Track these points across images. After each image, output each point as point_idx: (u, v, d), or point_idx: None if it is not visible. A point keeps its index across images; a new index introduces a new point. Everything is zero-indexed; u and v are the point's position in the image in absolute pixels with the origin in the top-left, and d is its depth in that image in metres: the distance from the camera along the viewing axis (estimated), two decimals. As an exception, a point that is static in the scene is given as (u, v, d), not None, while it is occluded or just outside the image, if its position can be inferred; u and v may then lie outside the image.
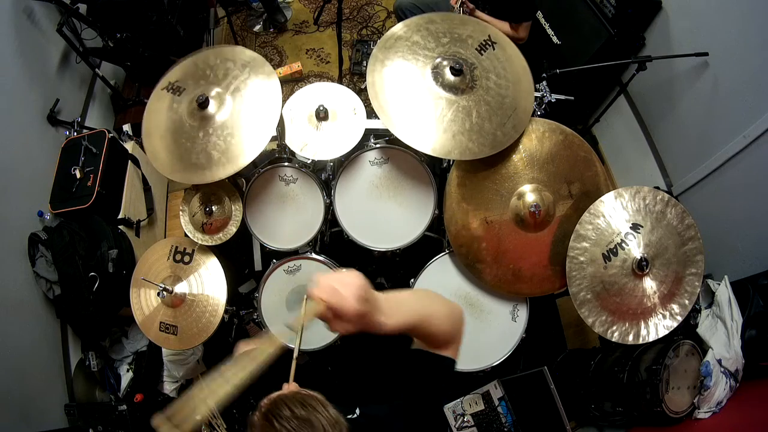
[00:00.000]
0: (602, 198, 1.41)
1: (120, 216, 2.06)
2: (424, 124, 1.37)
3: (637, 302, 1.36)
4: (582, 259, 1.38)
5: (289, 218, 1.64)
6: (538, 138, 1.45)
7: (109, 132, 2.09)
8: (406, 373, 1.05)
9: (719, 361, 1.53)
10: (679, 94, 2.03)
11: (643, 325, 1.36)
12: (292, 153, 1.65)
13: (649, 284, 1.36)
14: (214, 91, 1.43)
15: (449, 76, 1.39)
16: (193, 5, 2.78)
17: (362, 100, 1.69)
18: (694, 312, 1.69)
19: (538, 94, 1.60)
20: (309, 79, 2.98)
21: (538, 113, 1.61)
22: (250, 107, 1.41)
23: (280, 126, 1.56)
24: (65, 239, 1.84)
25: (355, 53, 2.98)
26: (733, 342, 1.56)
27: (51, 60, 2.28)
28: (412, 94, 1.40)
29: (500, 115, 1.38)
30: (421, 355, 0.94)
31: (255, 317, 1.68)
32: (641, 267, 1.34)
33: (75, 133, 2.12)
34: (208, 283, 1.59)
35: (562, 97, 1.64)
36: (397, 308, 0.85)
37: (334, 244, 1.87)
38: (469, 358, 1.57)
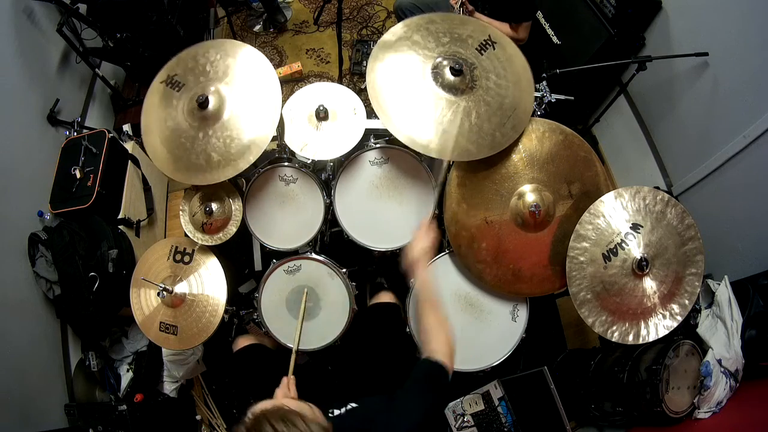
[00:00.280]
0: (602, 198, 1.41)
1: (120, 216, 2.06)
2: (424, 125, 1.37)
3: (637, 302, 1.36)
4: (582, 259, 1.38)
5: (289, 218, 1.64)
6: (538, 138, 1.45)
7: (109, 132, 2.09)
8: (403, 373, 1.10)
9: (719, 361, 1.53)
10: (679, 94, 2.03)
11: (643, 325, 1.36)
12: (292, 153, 1.65)
13: (649, 284, 1.36)
14: (213, 88, 1.42)
15: (449, 76, 1.38)
16: (193, 5, 2.78)
17: (362, 100, 1.69)
18: (694, 312, 1.69)
19: (538, 94, 1.60)
20: (309, 79, 2.98)
21: (538, 113, 1.61)
22: (250, 109, 1.41)
23: (280, 126, 1.56)
24: (65, 239, 1.84)
25: (355, 53, 2.98)
26: (733, 342, 1.56)
27: (51, 60, 2.28)
28: (412, 94, 1.40)
29: (500, 115, 1.38)
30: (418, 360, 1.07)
31: (255, 317, 1.68)
32: (641, 267, 1.34)
33: (75, 133, 2.13)
34: (208, 283, 1.59)
35: (562, 97, 1.64)
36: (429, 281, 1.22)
37: (334, 244, 1.87)
38: (469, 358, 1.57)
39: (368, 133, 1.65)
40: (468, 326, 1.57)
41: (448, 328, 1.18)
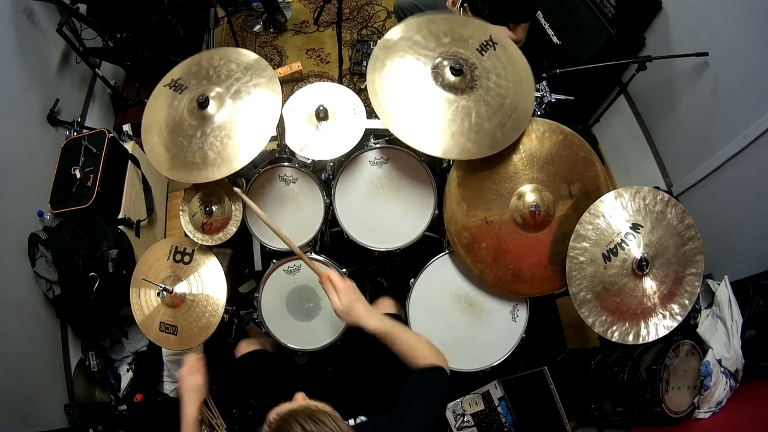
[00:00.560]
0: (602, 198, 1.41)
1: (120, 216, 2.06)
2: (424, 124, 1.37)
3: (637, 302, 1.36)
4: (582, 259, 1.38)
5: (289, 218, 1.64)
6: (538, 138, 1.45)
7: (109, 132, 2.09)
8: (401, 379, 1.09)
9: (719, 361, 1.53)
10: (679, 94, 2.03)
11: (643, 325, 1.36)
12: (292, 153, 1.65)
13: (649, 284, 1.36)
14: (215, 92, 1.43)
15: (449, 76, 1.38)
16: (193, 5, 2.78)
17: (362, 100, 1.69)
18: (694, 312, 1.69)
19: (538, 94, 1.60)
20: (309, 79, 2.98)
21: (538, 113, 1.61)
22: (249, 111, 1.41)
23: (280, 126, 1.56)
24: (65, 239, 1.84)
25: (355, 53, 2.98)
26: (733, 342, 1.56)
27: (51, 60, 2.28)
28: (412, 94, 1.40)
29: (500, 115, 1.38)
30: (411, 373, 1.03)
31: (255, 317, 1.68)
32: (641, 267, 1.34)
33: (75, 133, 2.13)
34: (208, 283, 1.59)
35: (562, 97, 1.64)
36: (375, 314, 1.10)
37: (334, 244, 1.87)
38: (469, 358, 1.57)
39: (368, 133, 1.65)
40: (468, 326, 1.57)
41: (424, 338, 1.10)
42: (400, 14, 2.41)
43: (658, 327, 1.36)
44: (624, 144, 2.43)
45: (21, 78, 2.04)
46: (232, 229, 1.60)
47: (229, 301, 1.59)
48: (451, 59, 1.40)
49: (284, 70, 2.90)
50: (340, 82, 2.74)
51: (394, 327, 1.09)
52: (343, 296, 1.12)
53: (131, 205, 2.15)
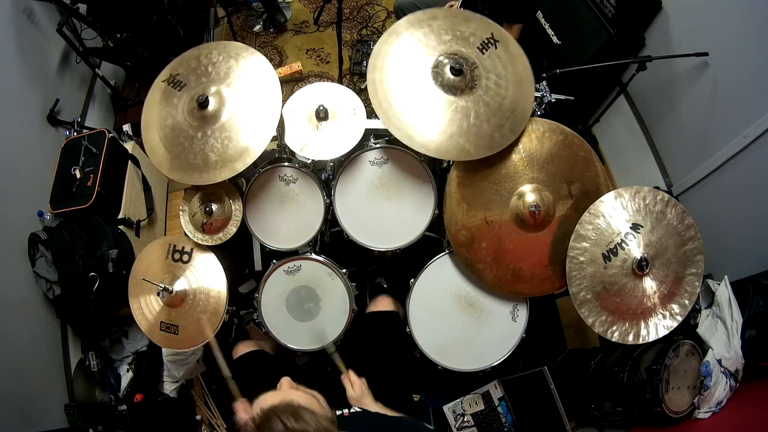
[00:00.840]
0: (602, 198, 1.41)
1: (120, 216, 2.06)
2: (423, 124, 1.37)
3: (637, 302, 1.35)
4: (582, 259, 1.38)
5: (289, 218, 1.64)
6: (538, 138, 1.45)
7: (109, 132, 2.09)
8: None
9: (719, 361, 1.53)
10: (679, 94, 2.03)
11: (643, 325, 1.36)
12: (292, 153, 1.65)
13: (649, 284, 1.36)
14: (214, 89, 1.42)
15: (449, 75, 1.38)
16: (193, 5, 2.78)
17: (362, 100, 1.69)
18: (694, 312, 1.69)
19: (538, 94, 1.60)
20: (309, 79, 2.98)
21: (538, 113, 1.61)
22: (249, 112, 1.41)
23: (280, 126, 1.56)
24: (65, 239, 1.84)
25: (355, 53, 2.99)
26: (733, 342, 1.56)
27: (51, 60, 2.28)
28: (412, 94, 1.40)
29: (498, 116, 1.38)
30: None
31: (255, 317, 1.68)
32: (641, 267, 1.34)
33: (75, 133, 2.13)
34: (208, 282, 1.59)
35: (562, 97, 1.64)
36: (378, 405, 1.27)
37: (334, 244, 1.87)
38: (469, 358, 1.57)
39: (368, 133, 1.65)
40: (468, 326, 1.57)
41: None
42: (400, 14, 2.41)
43: (658, 327, 1.36)
44: (624, 144, 2.43)
45: (21, 78, 2.04)
46: (232, 229, 1.60)
47: (229, 301, 1.59)
48: (451, 59, 1.40)
49: (284, 70, 2.90)
50: (340, 82, 2.74)
51: (391, 413, 1.24)
52: (357, 389, 1.31)
53: (131, 205, 2.15)
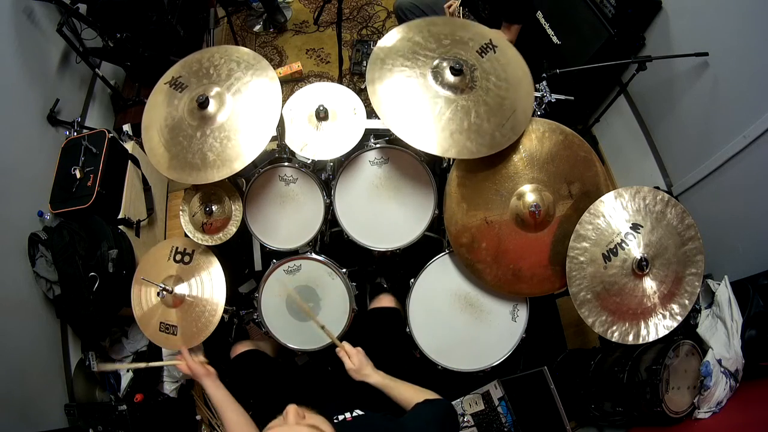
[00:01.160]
0: (602, 198, 1.41)
1: (120, 216, 2.06)
2: (423, 122, 1.37)
3: (637, 302, 1.35)
4: (582, 259, 1.38)
5: (289, 218, 1.64)
6: (538, 138, 1.45)
7: (109, 132, 2.09)
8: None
9: (719, 361, 1.53)
10: (679, 94, 2.03)
11: (643, 325, 1.36)
12: (292, 153, 1.65)
13: (649, 284, 1.36)
14: (215, 91, 1.43)
15: (449, 75, 1.38)
16: (193, 5, 2.78)
17: (362, 100, 1.69)
18: (694, 312, 1.69)
19: (538, 94, 1.60)
20: (309, 79, 2.98)
21: (538, 113, 1.61)
22: (249, 112, 1.41)
23: (280, 126, 1.56)
24: (65, 239, 1.84)
25: (355, 53, 2.99)
26: (733, 342, 1.56)
27: (51, 60, 2.28)
28: (412, 93, 1.40)
29: (499, 116, 1.38)
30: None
31: (255, 317, 1.68)
32: (641, 267, 1.34)
33: (75, 133, 2.13)
34: (208, 282, 1.59)
35: (562, 97, 1.64)
36: (379, 372, 1.33)
37: (334, 244, 1.87)
38: (469, 358, 1.57)
39: (368, 133, 1.65)
40: (468, 326, 1.57)
41: (422, 390, 1.25)
42: (400, 14, 2.41)
43: (658, 327, 1.36)
44: (624, 144, 2.43)
45: (21, 78, 2.04)
46: (232, 229, 1.60)
47: (229, 301, 1.60)
48: (451, 60, 1.40)
49: (284, 70, 2.90)
50: (340, 82, 2.74)
51: (394, 381, 1.30)
52: (355, 359, 1.34)
53: (131, 205, 2.15)
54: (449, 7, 2.17)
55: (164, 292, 1.55)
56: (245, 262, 2.25)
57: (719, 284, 1.69)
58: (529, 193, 1.44)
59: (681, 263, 1.38)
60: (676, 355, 1.51)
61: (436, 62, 1.42)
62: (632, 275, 1.35)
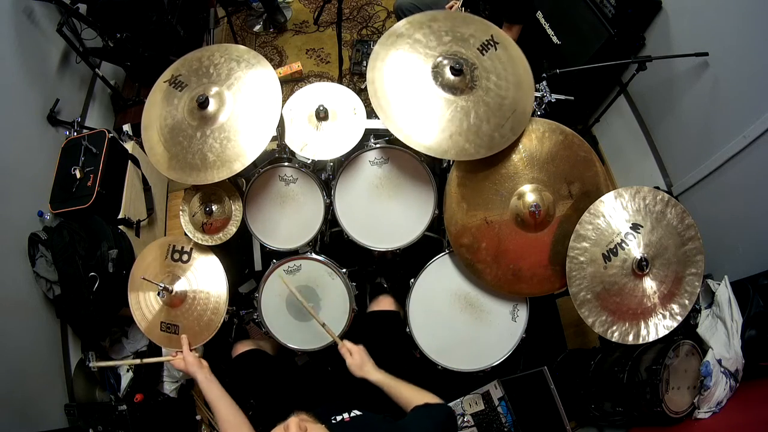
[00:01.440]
0: (602, 198, 1.41)
1: (120, 216, 2.06)
2: (422, 123, 1.37)
3: (637, 302, 1.36)
4: (582, 259, 1.38)
5: (289, 218, 1.64)
6: (538, 138, 1.45)
7: (109, 132, 2.09)
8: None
9: (719, 361, 1.53)
10: (679, 94, 2.03)
11: (643, 325, 1.36)
12: (292, 153, 1.65)
13: (649, 284, 1.36)
14: (215, 91, 1.42)
15: (449, 75, 1.38)
16: (193, 5, 2.78)
17: (362, 100, 1.69)
18: (694, 312, 1.69)
19: (538, 94, 1.60)
20: (309, 79, 2.98)
21: (538, 113, 1.61)
22: (249, 112, 1.41)
23: (280, 126, 1.56)
24: (65, 239, 1.84)
25: (355, 53, 2.99)
26: (733, 342, 1.56)
27: (51, 60, 2.28)
28: (412, 93, 1.40)
29: (499, 116, 1.38)
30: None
31: (255, 317, 1.68)
32: (641, 267, 1.34)
33: (75, 133, 2.13)
34: (209, 282, 1.59)
35: (562, 97, 1.64)
36: (380, 371, 1.33)
37: (334, 244, 1.87)
38: (469, 358, 1.57)
39: (368, 133, 1.65)
40: (468, 326, 1.57)
41: (423, 391, 1.26)
42: (400, 14, 2.41)
43: (658, 327, 1.36)
44: (624, 144, 2.43)
45: (21, 78, 2.04)
46: (232, 229, 1.60)
47: (229, 301, 1.60)
48: (451, 59, 1.40)
49: (284, 70, 2.90)
50: (340, 82, 2.74)
51: (395, 380, 1.30)
52: (356, 356, 1.36)
53: (131, 205, 2.15)
54: (451, 7, 2.17)
55: (164, 292, 1.55)
56: (245, 262, 2.25)
57: (719, 284, 1.69)
58: (529, 193, 1.43)
59: (681, 263, 1.38)
60: (676, 355, 1.51)
61: (436, 61, 1.41)
62: (632, 275, 1.35)
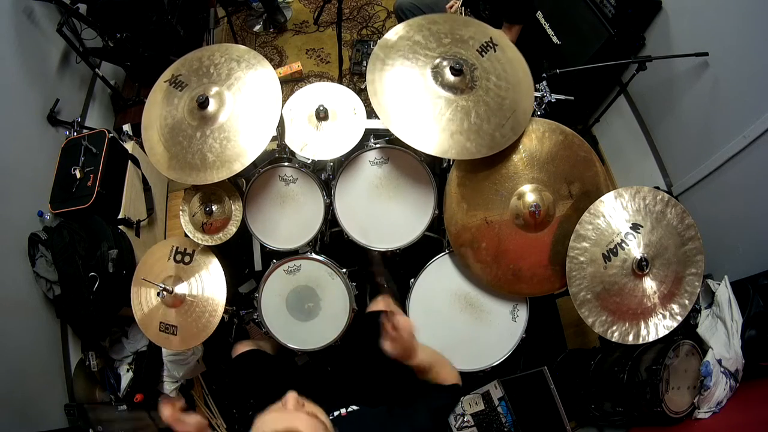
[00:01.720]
0: (602, 198, 1.41)
1: (120, 216, 2.06)
2: (422, 123, 1.37)
3: (637, 302, 1.36)
4: (582, 259, 1.38)
5: (289, 218, 1.64)
6: (538, 138, 1.45)
7: (109, 132, 2.09)
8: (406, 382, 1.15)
9: (719, 361, 1.53)
10: (679, 94, 2.02)
11: (643, 325, 1.36)
12: (292, 153, 1.65)
13: (649, 284, 1.36)
14: (215, 90, 1.42)
15: (449, 76, 1.39)
16: (193, 5, 2.78)
17: (362, 100, 1.69)
18: (694, 312, 1.69)
19: (538, 94, 1.60)
20: (309, 79, 2.98)
21: (538, 113, 1.61)
22: (249, 112, 1.41)
23: (280, 126, 1.56)
24: (65, 239, 1.84)
25: (355, 53, 2.98)
26: (733, 342, 1.56)
27: (51, 60, 2.28)
28: (412, 93, 1.40)
29: (499, 116, 1.38)
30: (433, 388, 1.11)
31: (255, 317, 1.68)
32: (641, 267, 1.34)
33: (75, 133, 2.13)
34: (208, 283, 1.59)
35: (562, 97, 1.64)
36: (424, 351, 1.15)
37: (334, 244, 1.87)
38: (469, 358, 1.57)
39: (368, 133, 1.65)
40: (468, 326, 1.57)
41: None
42: (400, 14, 2.41)
43: (658, 327, 1.36)
44: (624, 144, 2.43)
45: (21, 78, 2.04)
46: (232, 229, 1.60)
47: (229, 301, 1.60)
48: (451, 59, 1.40)
49: (284, 70, 2.89)
50: (340, 82, 2.74)
51: (435, 356, 1.18)
52: (404, 330, 1.13)
53: (131, 205, 2.15)
54: (451, 7, 2.17)
55: (164, 293, 1.55)
56: (245, 262, 2.25)
57: (719, 284, 1.69)
58: (529, 193, 1.44)
59: (681, 263, 1.38)
60: (676, 355, 1.51)
61: (436, 62, 1.42)
62: (632, 275, 1.35)
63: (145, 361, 2.01)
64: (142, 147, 2.27)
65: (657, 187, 1.77)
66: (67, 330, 1.99)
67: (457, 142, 1.35)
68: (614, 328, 1.35)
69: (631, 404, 1.58)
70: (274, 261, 1.63)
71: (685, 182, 2.04)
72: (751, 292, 1.61)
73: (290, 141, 1.62)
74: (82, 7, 2.30)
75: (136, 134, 2.32)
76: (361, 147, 1.62)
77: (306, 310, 1.64)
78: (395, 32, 1.47)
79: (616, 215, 1.39)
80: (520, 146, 1.44)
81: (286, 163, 1.61)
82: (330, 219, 1.68)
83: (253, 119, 1.40)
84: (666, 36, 2.04)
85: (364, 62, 2.89)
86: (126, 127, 2.34)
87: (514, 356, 1.56)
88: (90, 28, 2.33)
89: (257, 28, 3.22)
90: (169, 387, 2.00)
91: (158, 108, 1.47)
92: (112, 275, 1.82)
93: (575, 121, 2.48)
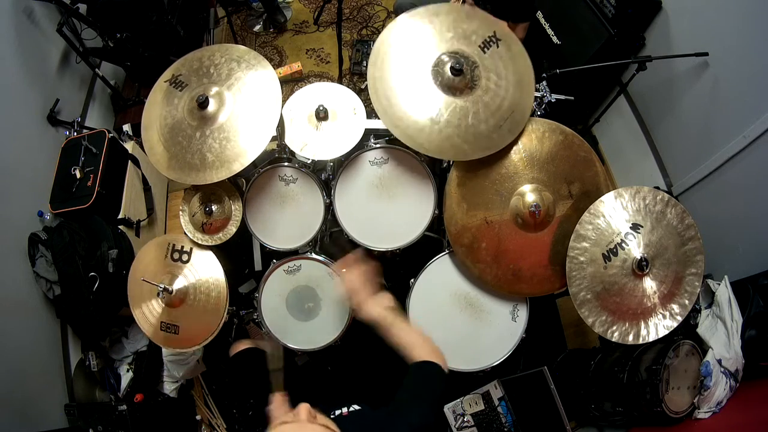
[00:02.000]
0: (602, 198, 1.41)
1: (120, 216, 2.06)
2: (422, 123, 1.37)
3: (637, 302, 1.36)
4: (582, 259, 1.38)
5: (289, 218, 1.64)
6: (538, 138, 1.45)
7: (109, 132, 2.09)
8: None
9: (719, 361, 1.53)
10: (679, 94, 2.02)
11: (643, 325, 1.36)
12: (292, 153, 1.65)
13: (649, 284, 1.36)
14: (215, 90, 1.42)
15: (449, 75, 1.38)
16: (193, 5, 2.78)
17: (362, 100, 1.69)
18: (694, 312, 1.69)
19: (538, 94, 1.60)
20: (309, 79, 2.98)
21: (538, 113, 1.61)
22: (249, 112, 1.41)
23: (280, 126, 1.56)
24: (65, 239, 1.84)
25: (355, 53, 2.98)
26: (733, 342, 1.56)
27: (51, 60, 2.28)
28: (412, 93, 1.40)
29: (497, 117, 1.38)
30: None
31: (255, 317, 1.68)
32: (641, 267, 1.34)
33: (75, 133, 2.13)
34: (208, 282, 1.59)
35: (562, 97, 1.64)
36: (379, 304, 1.15)
37: (334, 244, 1.87)
38: (469, 358, 1.57)
39: (368, 133, 1.64)
40: (468, 326, 1.57)
41: (429, 338, 1.16)
42: (400, 15, 2.41)
43: (658, 327, 1.36)
44: (624, 144, 2.43)
45: (21, 78, 2.04)
46: (232, 229, 1.60)
47: (229, 301, 1.59)
48: (452, 58, 1.40)
49: (284, 70, 2.89)
50: (340, 82, 2.74)
51: (397, 319, 1.16)
52: (354, 279, 1.20)
53: (131, 205, 2.15)
54: (456, 1, 2.16)
55: (164, 292, 1.55)
56: (245, 262, 2.25)
57: (719, 284, 1.69)
58: (529, 193, 1.43)
59: (681, 263, 1.38)
60: (676, 355, 1.51)
61: (436, 60, 1.41)
62: (632, 275, 1.35)
63: (145, 361, 2.01)
64: (142, 147, 2.27)
65: (657, 187, 1.77)
66: (67, 330, 1.99)
67: (453, 144, 1.35)
68: (614, 328, 1.35)
69: (631, 404, 1.58)
70: (274, 261, 1.63)
71: (685, 182, 2.04)
72: (751, 292, 1.61)
73: (290, 141, 1.62)
74: (82, 7, 2.30)
75: (136, 134, 2.32)
76: (361, 147, 1.61)
77: (306, 310, 1.64)
78: (396, 29, 1.46)
79: (616, 215, 1.39)
80: (520, 146, 1.44)
81: (286, 163, 1.61)
82: (330, 219, 1.68)
83: (252, 119, 1.40)
84: (666, 36, 2.04)
85: (364, 62, 2.89)
86: (126, 127, 2.34)
87: (514, 356, 1.56)
88: (90, 28, 2.33)
89: (257, 28, 3.22)
90: (169, 387, 2.00)
91: (158, 108, 1.47)
92: (112, 275, 1.82)
93: (575, 121, 2.48)
